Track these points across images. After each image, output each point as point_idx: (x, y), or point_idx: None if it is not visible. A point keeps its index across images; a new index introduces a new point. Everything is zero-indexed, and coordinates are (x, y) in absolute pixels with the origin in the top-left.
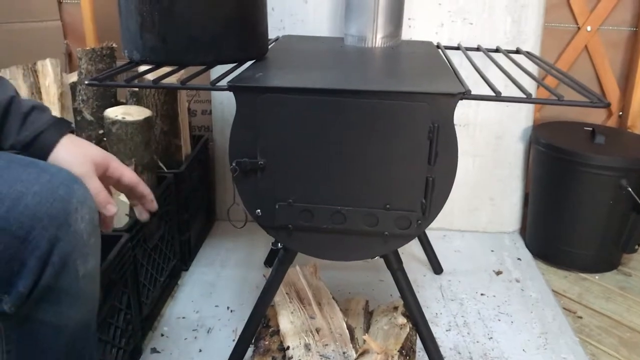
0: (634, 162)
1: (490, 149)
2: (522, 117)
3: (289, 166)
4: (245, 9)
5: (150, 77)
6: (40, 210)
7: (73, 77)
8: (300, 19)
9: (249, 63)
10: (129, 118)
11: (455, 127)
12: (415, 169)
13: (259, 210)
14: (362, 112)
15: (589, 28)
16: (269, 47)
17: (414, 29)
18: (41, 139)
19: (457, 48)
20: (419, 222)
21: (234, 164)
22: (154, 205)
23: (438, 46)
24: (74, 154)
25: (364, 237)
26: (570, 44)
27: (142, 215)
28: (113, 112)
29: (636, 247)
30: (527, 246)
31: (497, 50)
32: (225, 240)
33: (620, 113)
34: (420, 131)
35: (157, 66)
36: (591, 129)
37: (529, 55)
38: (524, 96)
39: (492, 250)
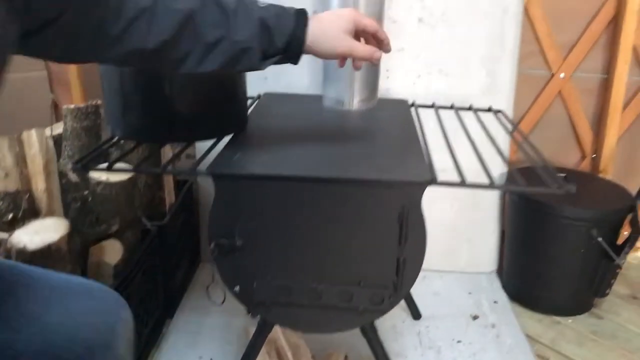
0: (603, 214)
1: (468, 192)
2: (498, 162)
3: (267, 246)
4: (226, 88)
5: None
6: (93, 340)
7: (59, 128)
8: (282, 69)
9: (229, 136)
10: (112, 178)
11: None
12: (387, 250)
13: (237, 288)
14: (335, 197)
15: (562, 75)
16: (252, 106)
17: (392, 80)
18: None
19: (432, 106)
20: (391, 298)
21: (213, 245)
22: (388, 49)
23: (413, 105)
24: (326, 37)
25: (340, 311)
26: (545, 90)
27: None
28: (97, 173)
29: (607, 291)
30: (504, 287)
31: (469, 108)
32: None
33: (594, 155)
34: (390, 215)
35: (139, 143)
36: (564, 175)
37: (498, 115)
38: (488, 182)
39: (469, 293)
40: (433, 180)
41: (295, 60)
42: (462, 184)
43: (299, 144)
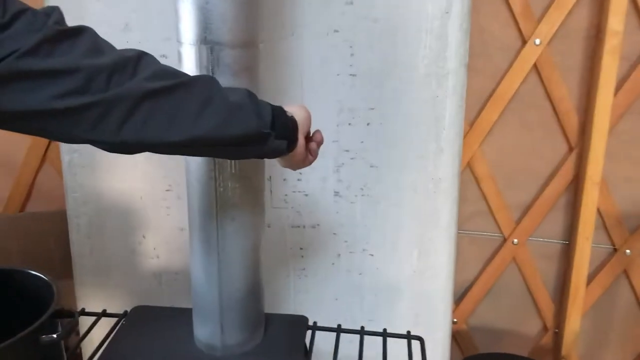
0: None
1: None
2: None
3: None
4: None
5: None
6: None
7: None
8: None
9: None
10: None
11: None
12: None
13: None
14: None
15: (515, 241)
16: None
17: (307, 260)
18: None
19: (335, 330)
20: None
21: None
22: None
23: (313, 326)
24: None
25: None
26: (497, 256)
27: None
28: None
29: None
30: None
31: (383, 332)
32: None
33: (556, 330)
34: None
35: None
36: None
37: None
38: None
39: None
40: None
41: (292, 138)
42: None
43: None
